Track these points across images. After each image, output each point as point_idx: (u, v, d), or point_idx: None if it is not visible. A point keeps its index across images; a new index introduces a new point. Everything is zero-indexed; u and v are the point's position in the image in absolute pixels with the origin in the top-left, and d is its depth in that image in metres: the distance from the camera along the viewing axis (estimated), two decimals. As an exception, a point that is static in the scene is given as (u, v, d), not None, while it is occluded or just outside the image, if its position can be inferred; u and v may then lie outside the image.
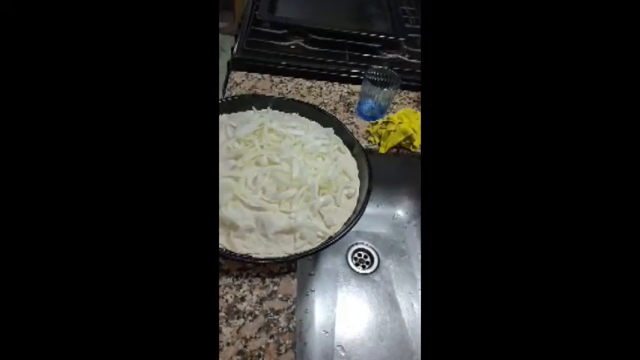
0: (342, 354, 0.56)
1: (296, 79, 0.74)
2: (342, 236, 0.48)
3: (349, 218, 0.52)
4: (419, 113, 0.67)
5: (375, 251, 0.70)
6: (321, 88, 0.74)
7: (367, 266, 0.68)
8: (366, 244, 0.71)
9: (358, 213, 0.52)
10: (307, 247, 0.47)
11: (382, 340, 0.59)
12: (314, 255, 0.68)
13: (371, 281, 0.66)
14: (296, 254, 0.46)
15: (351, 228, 0.50)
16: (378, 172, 0.57)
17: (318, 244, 0.48)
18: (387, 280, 0.66)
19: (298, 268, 0.49)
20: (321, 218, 0.51)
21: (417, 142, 0.65)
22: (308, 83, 0.74)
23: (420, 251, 0.70)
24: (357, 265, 0.68)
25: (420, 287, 0.66)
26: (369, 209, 0.74)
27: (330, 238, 0.48)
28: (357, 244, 0.71)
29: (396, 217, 0.75)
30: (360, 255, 0.69)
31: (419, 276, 0.67)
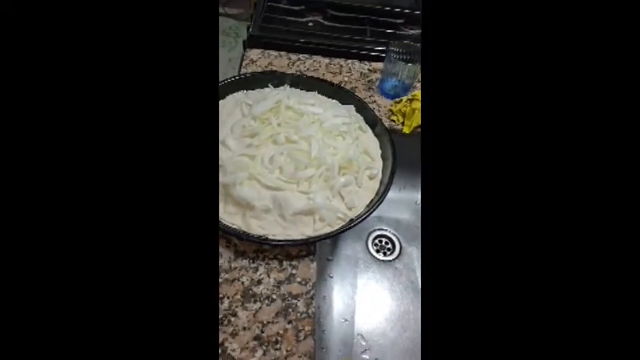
0: (363, 343, 0.54)
1: (314, 57, 0.70)
2: (364, 219, 0.45)
3: (371, 200, 0.49)
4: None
5: (397, 237, 0.67)
6: (341, 66, 0.70)
7: (388, 253, 0.65)
8: (388, 230, 0.68)
9: (381, 195, 0.49)
10: (327, 230, 0.44)
11: (405, 332, 0.56)
12: (332, 239, 0.65)
13: (393, 269, 0.63)
14: (315, 237, 0.43)
15: (373, 210, 0.46)
16: (401, 154, 0.53)
17: (339, 226, 0.45)
18: (409, 268, 0.63)
19: (317, 252, 0.46)
20: (342, 199, 0.47)
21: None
22: (326, 60, 0.70)
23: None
24: (377, 251, 0.65)
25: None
26: (391, 193, 0.70)
27: (351, 220, 0.45)
28: (378, 229, 0.68)
29: (419, 202, 0.71)
30: (381, 241, 0.66)
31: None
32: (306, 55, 0.70)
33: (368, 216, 0.45)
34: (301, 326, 0.38)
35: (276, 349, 0.36)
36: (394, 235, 0.67)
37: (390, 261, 0.64)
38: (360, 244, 0.65)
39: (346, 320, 0.56)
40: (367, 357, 0.52)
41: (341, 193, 0.48)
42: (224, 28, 2.06)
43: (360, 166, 0.50)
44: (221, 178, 0.45)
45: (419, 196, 0.71)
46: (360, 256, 0.64)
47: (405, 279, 0.62)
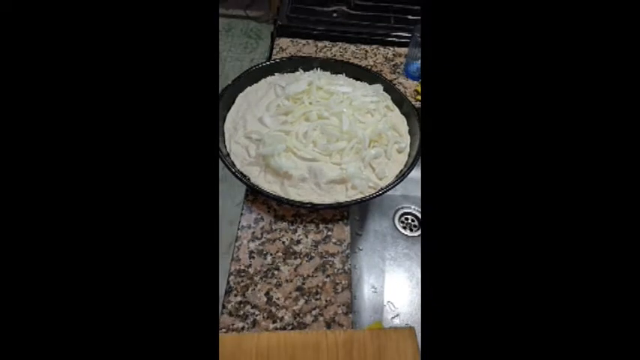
0: (393, 309, 0.56)
1: (339, 43, 0.74)
2: (395, 186, 0.48)
3: (400, 171, 0.51)
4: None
5: (423, 215, 0.69)
6: (366, 51, 0.73)
7: (415, 229, 0.67)
8: (413, 208, 0.70)
9: (410, 166, 0.51)
10: (359, 197, 0.47)
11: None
12: (361, 215, 0.68)
13: (419, 244, 0.65)
14: (349, 201, 0.46)
15: (403, 179, 0.49)
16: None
17: (370, 194, 0.48)
18: (435, 243, 0.65)
19: (350, 218, 0.49)
20: (372, 170, 0.50)
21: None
22: (352, 47, 0.73)
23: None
24: (404, 228, 0.67)
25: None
26: (415, 173, 0.72)
27: (382, 188, 0.48)
28: (403, 207, 0.70)
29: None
30: (407, 219, 0.69)
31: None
32: (332, 43, 0.74)
33: (398, 184, 0.48)
34: (338, 280, 0.41)
35: (317, 299, 0.39)
36: (420, 212, 0.69)
37: (416, 237, 0.66)
38: (387, 221, 0.68)
39: (375, 290, 0.59)
40: (398, 321, 0.55)
41: (371, 165, 0.51)
42: (246, 30, 2.12)
43: (389, 140, 0.53)
44: (260, 150, 0.49)
45: (444, 176, 0.73)
46: (387, 231, 0.67)
47: (432, 253, 0.64)
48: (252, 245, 0.43)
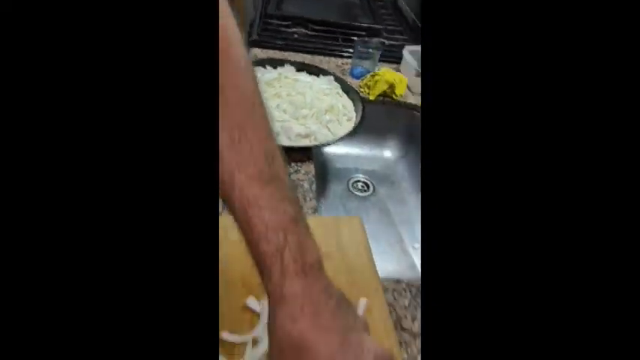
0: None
1: (300, 54, 0.94)
2: (346, 136, 0.66)
3: (349, 132, 0.70)
4: (397, 73, 0.87)
5: (371, 182, 0.87)
6: (321, 59, 0.94)
7: (365, 192, 0.85)
8: (363, 177, 0.88)
9: (354, 129, 0.70)
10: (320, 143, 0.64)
11: (379, 244, 0.74)
12: (321, 181, 0.85)
13: (370, 202, 0.82)
14: (314, 145, 0.63)
15: (350, 137, 0.67)
16: (369, 121, 0.74)
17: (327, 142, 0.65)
18: (380, 201, 0.83)
19: (313, 161, 0.65)
20: (328, 130, 0.68)
21: (398, 91, 0.84)
22: (309, 57, 0.94)
23: (405, 181, 0.87)
24: (356, 190, 0.84)
25: (409, 208, 0.82)
26: (363, 151, 0.92)
27: (338, 138, 0.66)
28: (355, 176, 0.88)
29: (386, 158, 0.92)
30: (358, 184, 0.86)
31: (406, 197, 0.84)
32: (295, 53, 0.94)
33: (348, 137, 0.66)
34: (306, 195, 0.56)
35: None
36: (368, 180, 0.87)
37: (367, 197, 0.83)
38: (342, 186, 0.85)
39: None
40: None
41: (328, 126, 0.68)
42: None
43: (339, 111, 0.71)
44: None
45: (384, 153, 0.92)
46: (343, 193, 0.83)
47: (378, 209, 0.81)
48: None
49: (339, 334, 0.26)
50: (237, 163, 0.26)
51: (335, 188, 0.83)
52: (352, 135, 0.68)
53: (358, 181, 0.87)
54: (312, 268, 0.28)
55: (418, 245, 0.76)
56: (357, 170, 0.89)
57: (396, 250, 0.75)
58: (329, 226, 0.51)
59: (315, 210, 0.54)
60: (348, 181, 0.86)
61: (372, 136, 0.90)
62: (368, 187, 0.86)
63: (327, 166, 0.89)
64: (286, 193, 0.28)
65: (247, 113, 0.28)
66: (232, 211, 0.27)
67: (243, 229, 0.27)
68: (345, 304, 0.28)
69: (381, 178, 0.88)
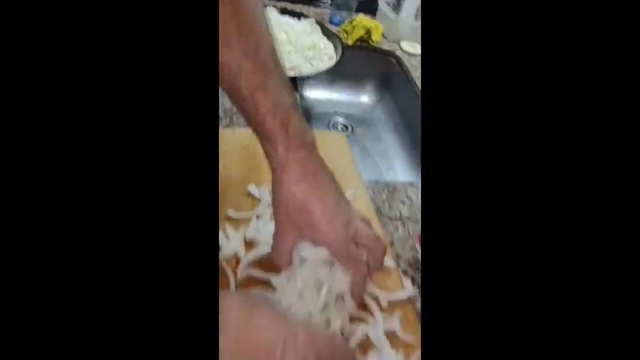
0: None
1: (282, 2, 0.97)
2: (327, 71, 0.71)
3: (330, 67, 0.75)
4: (373, 19, 0.92)
5: (349, 123, 0.93)
6: (300, 8, 0.97)
7: (344, 132, 0.91)
8: (342, 119, 0.94)
9: (335, 65, 0.75)
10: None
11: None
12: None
13: (349, 140, 0.89)
14: (298, 76, 0.68)
15: (332, 69, 0.73)
16: (347, 66, 0.80)
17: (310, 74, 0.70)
18: (360, 141, 0.90)
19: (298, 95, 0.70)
20: (312, 65, 0.73)
21: (374, 37, 0.89)
22: (290, 5, 0.97)
23: (382, 124, 0.94)
24: (336, 131, 0.91)
25: (385, 144, 0.90)
26: (342, 96, 0.98)
27: (319, 71, 0.71)
28: (334, 119, 0.94)
29: (364, 102, 0.99)
30: (337, 125, 0.92)
31: (383, 136, 0.91)
32: (276, 2, 0.97)
33: (328, 71, 0.72)
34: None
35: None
36: (347, 121, 0.94)
37: (346, 135, 0.90)
38: (323, 127, 0.91)
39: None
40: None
41: (311, 62, 0.73)
42: None
43: (321, 50, 0.76)
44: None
45: (362, 99, 0.99)
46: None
47: (357, 145, 0.88)
48: (226, 103, 0.62)
49: (334, 197, 0.32)
50: (244, 52, 0.29)
51: (316, 129, 0.89)
52: (332, 77, 0.73)
53: (337, 123, 0.93)
54: (312, 145, 0.33)
55: (394, 174, 0.84)
56: (336, 114, 0.95)
57: (374, 175, 0.82)
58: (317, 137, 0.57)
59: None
60: (328, 123, 0.92)
61: (351, 81, 0.96)
62: (347, 127, 0.92)
63: (309, 111, 0.95)
64: (286, 83, 0.32)
65: (253, 13, 0.31)
66: (237, 96, 0.30)
67: (248, 111, 0.31)
68: (335, 182, 0.34)
69: (359, 120, 0.95)
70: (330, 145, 0.57)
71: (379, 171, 0.83)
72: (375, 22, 0.89)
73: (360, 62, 0.94)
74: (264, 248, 0.38)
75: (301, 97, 0.88)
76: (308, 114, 0.93)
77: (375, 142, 0.90)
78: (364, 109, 0.97)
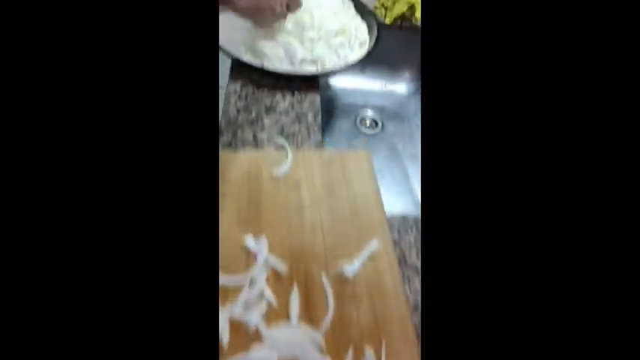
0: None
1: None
2: (354, 64, 0.59)
3: (361, 57, 0.62)
4: (420, -10, 0.75)
5: (380, 118, 0.81)
6: (332, -27, 0.81)
7: (373, 129, 0.79)
8: (372, 113, 0.81)
9: (367, 54, 0.62)
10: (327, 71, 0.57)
11: (385, 180, 0.71)
12: (327, 117, 0.79)
13: (377, 139, 0.77)
14: (320, 72, 0.56)
15: (362, 61, 0.60)
16: (383, 49, 0.65)
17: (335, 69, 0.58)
18: (390, 138, 0.78)
19: (319, 90, 0.59)
20: (338, 56, 0.60)
21: (418, 14, 0.73)
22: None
23: (417, 119, 0.81)
24: (364, 127, 0.79)
25: (418, 144, 0.77)
26: (373, 84, 0.84)
27: (347, 65, 0.58)
28: (363, 112, 0.81)
29: (398, 94, 0.85)
30: (366, 121, 0.80)
31: (416, 133, 0.79)
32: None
33: (358, 64, 0.59)
34: (311, 128, 0.51)
35: (293, 142, 0.49)
36: (377, 116, 0.81)
37: (373, 134, 0.78)
38: (349, 122, 0.79)
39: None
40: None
41: (337, 51, 0.60)
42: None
43: (351, 34, 0.63)
44: (246, 36, 0.57)
45: (397, 89, 0.85)
46: (350, 130, 0.78)
47: (385, 145, 0.76)
48: (238, 104, 0.52)
49: None
50: None
51: (341, 124, 0.77)
52: (364, 63, 0.60)
53: (366, 117, 0.80)
54: None
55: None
56: (365, 106, 0.82)
57: (402, 187, 0.72)
58: (335, 159, 0.47)
59: (320, 144, 0.50)
60: (355, 117, 0.80)
61: (385, 67, 0.82)
62: (376, 124, 0.80)
63: (334, 100, 0.82)
64: None
65: None
66: None
67: None
68: None
69: (390, 115, 0.82)
70: (351, 165, 0.47)
71: (408, 185, 0.72)
72: (420, -4, 0.73)
73: (397, 44, 0.78)
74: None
75: (325, 86, 0.76)
76: (332, 105, 0.81)
77: (407, 142, 0.78)
78: (398, 101, 0.84)
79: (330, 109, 0.80)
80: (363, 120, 0.80)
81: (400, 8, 0.72)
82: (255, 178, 0.42)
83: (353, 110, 0.83)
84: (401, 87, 0.84)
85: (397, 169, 0.75)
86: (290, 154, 0.44)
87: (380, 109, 0.82)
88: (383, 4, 0.74)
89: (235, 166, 0.43)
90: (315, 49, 0.58)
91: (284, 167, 0.43)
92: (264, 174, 0.43)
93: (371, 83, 0.84)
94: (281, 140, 0.47)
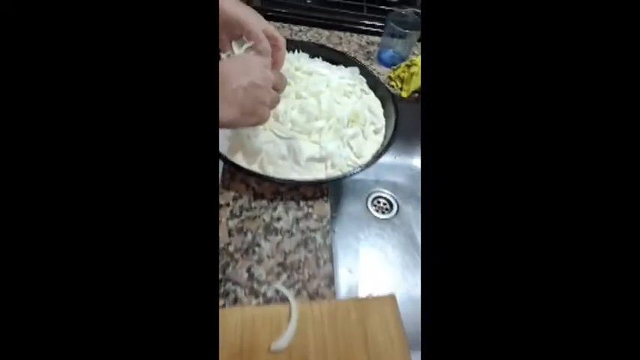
0: (367, 289, 0.58)
1: (314, 29, 0.74)
2: (372, 164, 0.49)
3: (377, 150, 0.53)
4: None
5: (395, 199, 0.71)
6: (340, 38, 0.73)
7: (387, 212, 0.69)
8: (386, 192, 0.72)
9: (386, 146, 0.53)
10: (339, 174, 0.48)
11: (406, 282, 0.60)
12: (334, 199, 0.69)
13: (391, 225, 0.67)
14: (329, 178, 0.46)
15: (380, 157, 0.50)
16: (399, 119, 0.57)
17: (349, 171, 0.48)
18: (406, 224, 0.68)
19: (328, 197, 0.49)
20: (351, 149, 0.51)
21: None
22: (326, 33, 0.74)
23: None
24: (377, 211, 0.69)
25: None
26: (388, 159, 0.75)
27: (361, 166, 0.49)
28: (376, 191, 0.72)
29: (414, 167, 0.75)
30: (379, 202, 0.70)
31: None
32: (307, 27, 0.74)
33: (375, 161, 0.49)
34: (320, 254, 0.41)
35: (299, 274, 0.39)
36: (391, 196, 0.71)
37: (388, 219, 0.68)
38: (360, 204, 0.69)
39: (351, 270, 0.60)
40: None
41: (350, 143, 0.51)
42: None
43: (366, 120, 0.54)
44: (237, 131, 0.48)
45: (414, 162, 0.76)
46: (360, 214, 0.68)
47: (403, 233, 0.66)
48: (230, 223, 0.42)
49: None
50: None
51: (350, 209, 0.68)
52: (381, 155, 0.51)
53: (379, 197, 0.71)
54: None
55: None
56: (378, 183, 0.72)
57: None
58: (352, 313, 0.36)
59: (331, 277, 0.39)
60: (367, 199, 0.70)
61: (399, 140, 0.73)
62: (391, 205, 0.70)
63: (341, 181, 0.73)
64: None
65: None
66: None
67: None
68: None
69: (407, 193, 0.72)
70: (373, 322, 0.36)
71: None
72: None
73: (414, 116, 0.70)
74: None
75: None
76: (339, 184, 0.71)
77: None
78: (415, 177, 0.74)
79: (338, 190, 0.71)
80: (375, 201, 0.71)
81: (418, 82, 0.63)
82: (248, 355, 0.32)
83: (364, 188, 0.74)
84: (417, 160, 0.75)
85: (415, 262, 0.64)
86: (295, 314, 0.34)
87: (394, 187, 0.73)
88: (398, 76, 0.65)
89: (225, 331, 0.33)
90: (324, 141, 0.49)
91: (286, 336, 0.32)
92: (260, 345, 0.32)
93: (383, 157, 0.75)
94: (282, 289, 0.37)
